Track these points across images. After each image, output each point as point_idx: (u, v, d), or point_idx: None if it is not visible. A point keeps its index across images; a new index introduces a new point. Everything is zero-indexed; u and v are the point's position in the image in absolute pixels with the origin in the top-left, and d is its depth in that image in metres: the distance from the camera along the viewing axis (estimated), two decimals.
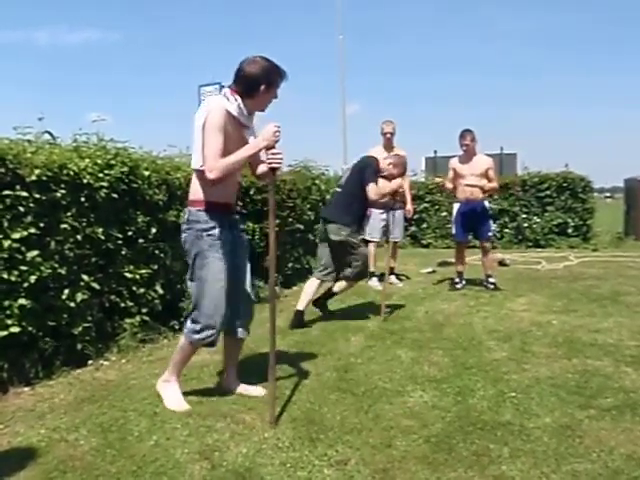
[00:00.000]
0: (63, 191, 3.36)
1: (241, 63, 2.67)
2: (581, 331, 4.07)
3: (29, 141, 3.45)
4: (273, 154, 2.55)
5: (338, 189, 4.72)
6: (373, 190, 4.45)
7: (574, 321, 4.38)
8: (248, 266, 2.91)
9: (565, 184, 10.19)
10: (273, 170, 2.60)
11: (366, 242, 6.73)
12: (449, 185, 6.10)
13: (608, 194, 54.85)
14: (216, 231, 2.67)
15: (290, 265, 6.30)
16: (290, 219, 6.27)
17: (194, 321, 2.72)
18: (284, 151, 2.58)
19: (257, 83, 2.63)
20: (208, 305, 2.67)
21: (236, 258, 2.80)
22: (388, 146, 6.18)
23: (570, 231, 10.11)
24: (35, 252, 3.15)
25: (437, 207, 10.69)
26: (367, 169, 4.53)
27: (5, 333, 3.01)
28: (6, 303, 3.04)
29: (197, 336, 2.71)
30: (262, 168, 2.84)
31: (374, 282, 6.30)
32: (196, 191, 2.70)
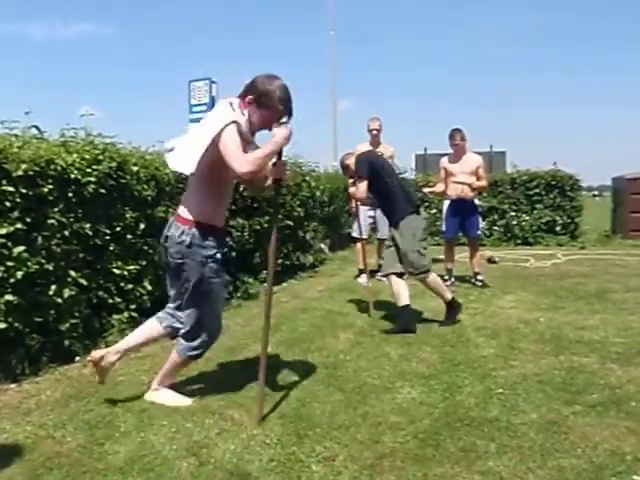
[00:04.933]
0: (50, 186, 3.33)
1: (258, 77, 2.61)
2: (568, 328, 4.10)
3: (16, 135, 3.42)
4: (277, 165, 2.59)
5: (395, 181, 4.31)
6: None
7: (561, 318, 4.42)
8: None
9: (554, 182, 10.25)
10: (277, 181, 2.65)
11: (354, 239, 6.76)
12: (439, 188, 6.10)
13: (596, 192, 55.23)
14: (219, 256, 2.64)
15: (280, 262, 6.30)
16: (280, 215, 6.25)
17: (193, 340, 2.72)
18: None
19: (273, 98, 2.56)
20: (214, 326, 2.75)
21: None
22: (375, 143, 6.19)
23: (558, 229, 10.18)
24: (22, 248, 3.12)
25: (427, 204, 10.71)
26: None
27: None
28: None
29: (193, 352, 2.75)
30: (268, 181, 2.77)
31: (362, 279, 6.31)
32: (199, 210, 2.58)
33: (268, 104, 2.56)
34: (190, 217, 2.57)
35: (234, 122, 2.46)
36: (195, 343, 2.71)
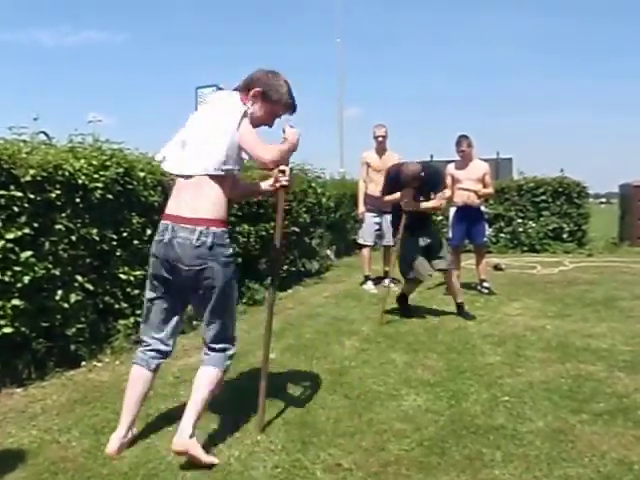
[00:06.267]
0: (58, 191, 3.35)
1: (259, 70, 2.52)
2: (575, 336, 4.07)
3: (24, 141, 3.44)
4: (282, 172, 2.53)
5: None
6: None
7: (568, 326, 4.39)
8: None
9: (560, 189, 10.21)
10: (284, 188, 2.59)
11: (360, 246, 6.75)
12: (447, 194, 6.08)
13: (604, 199, 54.95)
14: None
15: (285, 268, 6.30)
16: (286, 222, 6.26)
17: (225, 350, 2.43)
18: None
19: (280, 92, 2.49)
20: (234, 331, 2.50)
21: None
22: (380, 150, 6.19)
23: (565, 236, 10.13)
24: (29, 252, 3.13)
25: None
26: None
27: None
28: None
29: (228, 362, 2.47)
30: (266, 185, 2.71)
31: (369, 286, 6.31)
32: (218, 207, 2.33)
33: (274, 98, 2.48)
34: (206, 216, 2.29)
35: (246, 112, 2.38)
36: (229, 352, 2.45)
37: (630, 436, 2.42)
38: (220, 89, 8.72)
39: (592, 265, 8.09)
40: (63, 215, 3.40)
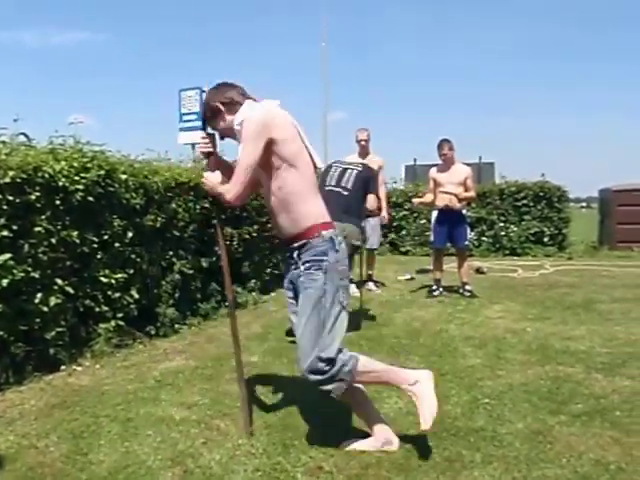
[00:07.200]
0: (38, 194, 3.32)
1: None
2: (554, 338, 4.12)
3: (4, 142, 3.41)
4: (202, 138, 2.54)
5: (337, 189, 4.35)
6: (372, 200, 4.55)
7: (548, 328, 4.45)
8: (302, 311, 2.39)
9: (541, 193, 10.36)
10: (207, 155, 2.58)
11: None
12: (428, 198, 6.12)
13: (584, 204, 55.81)
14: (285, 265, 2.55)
15: (268, 271, 6.29)
16: (269, 224, 6.25)
17: None
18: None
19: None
20: None
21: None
22: (363, 153, 6.23)
23: (546, 240, 10.28)
24: (7, 255, 3.10)
25: (416, 215, 10.77)
26: (373, 179, 4.65)
27: None
28: None
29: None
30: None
31: (352, 289, 6.32)
32: None
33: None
34: None
35: None
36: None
37: (607, 437, 2.45)
38: (204, 92, 8.66)
39: (572, 268, 8.21)
40: (43, 217, 3.37)
